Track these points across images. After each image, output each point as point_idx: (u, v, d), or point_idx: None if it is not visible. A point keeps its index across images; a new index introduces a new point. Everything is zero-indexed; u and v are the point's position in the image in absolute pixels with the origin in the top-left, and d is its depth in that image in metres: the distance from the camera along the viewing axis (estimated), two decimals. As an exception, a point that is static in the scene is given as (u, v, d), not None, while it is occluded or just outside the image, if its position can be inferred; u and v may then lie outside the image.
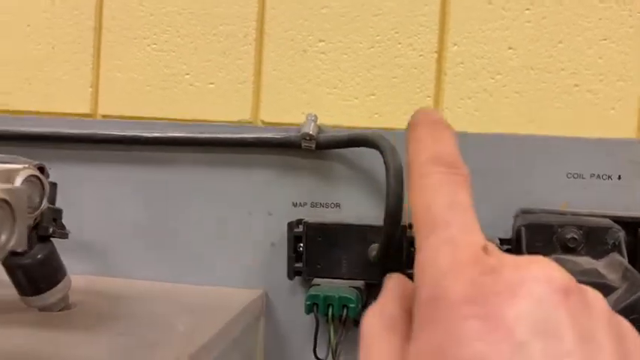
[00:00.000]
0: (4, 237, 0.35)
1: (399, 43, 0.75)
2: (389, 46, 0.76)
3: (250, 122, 0.80)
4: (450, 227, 0.24)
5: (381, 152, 0.64)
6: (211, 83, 0.81)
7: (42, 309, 0.57)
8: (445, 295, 0.22)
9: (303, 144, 0.73)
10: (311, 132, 0.72)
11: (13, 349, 0.46)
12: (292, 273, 0.73)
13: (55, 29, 0.85)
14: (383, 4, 0.76)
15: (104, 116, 0.84)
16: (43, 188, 0.47)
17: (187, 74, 0.81)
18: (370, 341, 0.26)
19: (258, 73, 0.80)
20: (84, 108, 0.84)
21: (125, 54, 0.83)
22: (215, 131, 0.79)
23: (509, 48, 0.73)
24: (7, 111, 0.87)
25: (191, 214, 0.80)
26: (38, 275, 0.55)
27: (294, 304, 0.76)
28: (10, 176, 0.40)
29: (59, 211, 0.60)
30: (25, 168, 0.41)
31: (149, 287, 0.76)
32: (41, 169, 0.47)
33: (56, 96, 0.85)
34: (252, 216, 0.78)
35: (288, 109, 0.78)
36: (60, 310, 0.60)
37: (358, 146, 0.71)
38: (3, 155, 0.45)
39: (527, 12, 0.73)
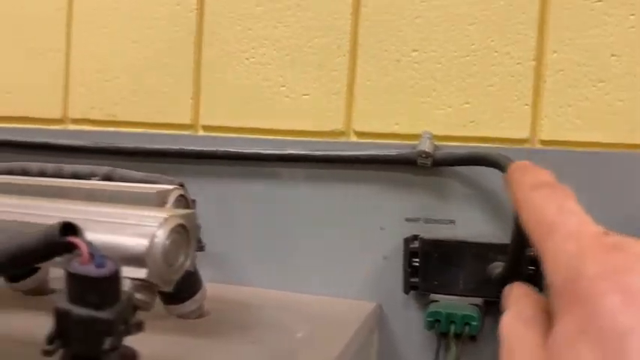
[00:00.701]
0: (181, 259, 0.37)
1: (496, 52, 0.75)
2: (485, 54, 0.76)
3: (343, 132, 0.82)
4: (567, 224, 0.25)
5: (502, 171, 0.64)
6: (306, 94, 0.83)
7: (180, 316, 0.60)
8: (580, 274, 0.23)
9: (419, 161, 0.73)
10: (427, 149, 0.72)
11: (159, 356, 0.49)
12: (408, 287, 0.73)
13: (158, 44, 0.90)
14: (479, 13, 0.76)
15: (204, 127, 0.88)
16: (189, 206, 0.49)
17: (283, 86, 0.84)
18: (512, 341, 0.27)
19: (351, 83, 0.81)
20: (185, 119, 0.89)
21: (225, 67, 0.87)
22: (328, 148, 0.80)
23: (612, 55, 0.71)
24: (115, 122, 0.93)
25: (304, 227, 0.82)
26: (183, 285, 0.57)
27: (408, 318, 0.77)
28: (164, 197, 0.43)
29: (199, 226, 0.63)
30: (175, 189, 0.44)
31: (270, 296, 0.80)
32: (181, 186, 0.51)
33: (160, 107, 0.90)
34: (365, 230, 0.79)
35: (381, 119, 0.80)
36: (196, 318, 0.62)
37: (476, 164, 0.71)
38: (149, 174, 0.49)
39: (631, 17, 0.71)
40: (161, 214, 0.34)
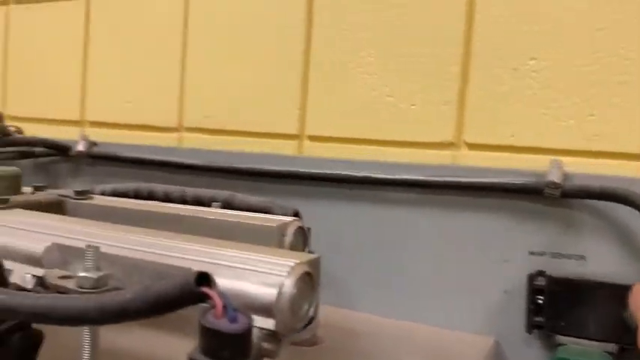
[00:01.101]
0: (306, 307, 0.36)
1: (626, 60, 0.69)
2: (612, 62, 0.70)
3: (452, 143, 0.79)
4: None
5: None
6: (413, 104, 0.81)
7: (294, 344, 0.59)
8: None
9: (547, 191, 0.68)
10: (557, 180, 0.67)
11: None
12: (531, 326, 0.69)
13: (268, 54, 0.91)
14: (607, 17, 0.70)
15: (310, 137, 0.89)
16: (305, 236, 0.48)
17: (390, 96, 0.83)
18: None
19: (462, 93, 0.78)
20: (292, 129, 0.90)
21: (333, 77, 0.87)
22: (444, 174, 0.76)
23: None
24: (225, 131, 0.96)
25: (419, 254, 0.78)
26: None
27: (529, 357, 0.72)
28: (283, 230, 0.43)
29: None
30: (294, 221, 0.44)
31: (385, 324, 0.77)
32: (296, 215, 0.51)
33: (267, 117, 0.92)
34: (486, 261, 0.75)
35: (494, 131, 0.76)
36: (309, 346, 0.62)
37: (611, 201, 0.66)
38: (265, 200, 0.50)
39: None
40: (288, 261, 0.33)
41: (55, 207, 0.50)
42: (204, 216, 0.46)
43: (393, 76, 0.82)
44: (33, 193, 0.54)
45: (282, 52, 0.90)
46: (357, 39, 0.85)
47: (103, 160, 0.97)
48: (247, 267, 0.32)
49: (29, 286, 0.36)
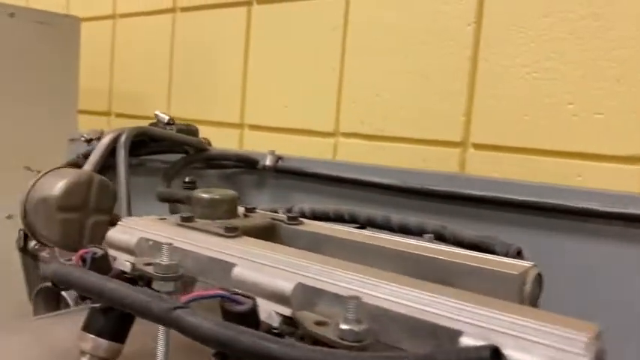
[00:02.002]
0: None
1: None
2: None
3: (645, 157, 0.71)
4: None
5: None
6: (599, 113, 0.74)
7: None
8: None
9: None
10: None
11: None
12: None
13: (430, 59, 0.88)
14: None
15: (474, 145, 0.85)
16: (541, 284, 0.44)
17: (571, 104, 0.76)
18: None
19: (659, 101, 0.70)
20: (455, 136, 0.86)
21: (502, 83, 0.82)
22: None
23: None
24: (382, 137, 0.94)
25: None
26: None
27: None
28: (524, 279, 0.37)
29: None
30: (532, 267, 0.40)
31: None
32: (520, 253, 0.47)
33: (429, 123, 0.89)
34: None
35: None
36: None
37: None
38: (483, 236, 0.47)
39: None
40: (579, 335, 0.28)
41: (269, 232, 0.51)
42: (436, 257, 0.42)
43: (577, 82, 0.76)
44: (246, 216, 0.56)
45: (447, 56, 0.87)
46: (534, 42, 0.79)
47: (288, 175, 0.96)
48: (531, 337, 0.28)
49: (275, 324, 0.36)
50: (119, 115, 1.42)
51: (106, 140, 0.75)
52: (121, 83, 1.41)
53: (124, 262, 0.46)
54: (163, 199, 0.80)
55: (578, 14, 0.75)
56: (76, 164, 0.89)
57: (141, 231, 0.48)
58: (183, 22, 1.26)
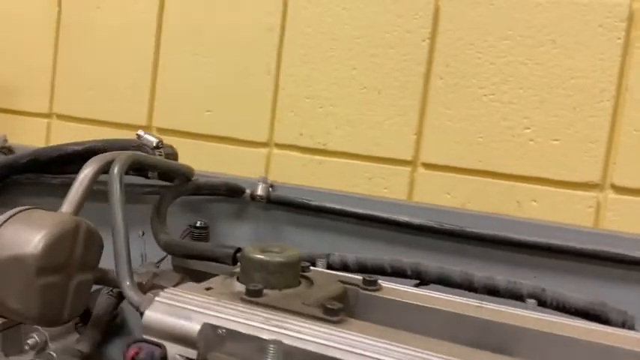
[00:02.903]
0: None
1: None
2: None
3: (597, 185, 0.73)
4: None
5: None
6: (555, 140, 0.75)
7: None
8: None
9: None
10: None
11: None
12: None
13: (382, 73, 0.84)
14: None
15: (425, 165, 0.82)
16: None
17: (527, 128, 0.77)
18: None
19: (612, 131, 0.73)
20: (406, 155, 0.83)
21: (457, 102, 0.80)
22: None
23: None
24: (323, 151, 0.88)
25: None
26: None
27: None
28: None
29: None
30: None
31: None
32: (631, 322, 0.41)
33: (376, 140, 0.85)
34: None
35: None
36: None
37: None
38: (592, 302, 0.42)
39: None
40: None
41: (343, 300, 0.42)
42: (560, 333, 0.35)
43: (535, 108, 0.76)
44: (305, 277, 0.45)
45: (399, 71, 0.83)
46: (493, 63, 0.78)
47: (280, 206, 0.80)
48: None
49: None
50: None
51: (89, 172, 0.55)
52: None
53: (176, 357, 0.34)
54: (179, 253, 0.63)
55: (537, 40, 0.76)
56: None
57: (200, 313, 0.36)
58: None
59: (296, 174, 0.89)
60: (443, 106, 0.81)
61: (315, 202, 0.77)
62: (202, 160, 0.89)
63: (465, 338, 0.34)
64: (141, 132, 0.71)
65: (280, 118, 0.91)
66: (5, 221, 0.49)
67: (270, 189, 0.80)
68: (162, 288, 0.47)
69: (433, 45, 0.82)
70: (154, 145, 0.69)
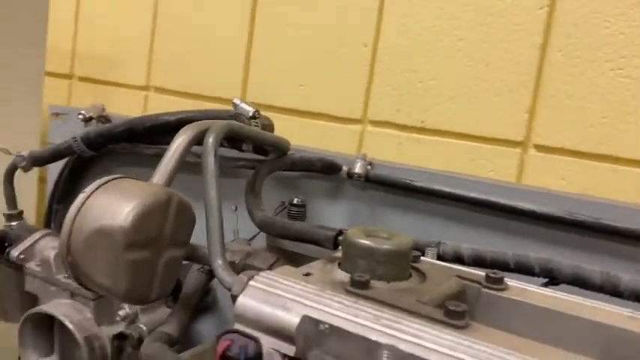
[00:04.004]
0: None
1: None
2: None
3: None
4: None
5: None
6: (697, 121, 0.65)
7: None
8: None
9: None
10: None
11: None
12: None
13: (491, 44, 0.77)
14: None
15: (537, 146, 0.75)
16: None
17: (663, 108, 0.67)
18: None
19: None
20: (516, 135, 0.76)
21: (577, 78, 0.72)
22: None
23: None
24: (422, 129, 0.82)
25: None
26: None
27: None
28: None
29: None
30: None
31: None
32: None
33: (483, 118, 0.78)
34: None
35: None
36: None
37: None
38: None
39: None
40: None
41: (461, 296, 0.37)
42: None
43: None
44: (415, 270, 0.41)
45: (512, 44, 0.75)
46: (622, 33, 0.69)
47: (380, 186, 0.75)
48: None
49: None
50: (82, 80, 1.22)
51: (182, 142, 0.52)
52: (86, 44, 1.21)
53: (271, 351, 0.30)
54: (275, 232, 0.58)
55: (680, 6, 0.66)
56: (70, 149, 0.71)
57: (299, 303, 0.32)
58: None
59: (390, 153, 0.84)
60: (561, 82, 0.73)
61: (419, 183, 0.71)
62: (292, 136, 0.86)
63: (616, 357, 0.28)
64: (237, 100, 0.67)
65: (376, 93, 0.86)
66: (94, 191, 0.47)
67: (369, 167, 0.74)
68: (255, 269, 0.44)
69: (552, 13, 0.73)
70: (251, 114, 0.65)
